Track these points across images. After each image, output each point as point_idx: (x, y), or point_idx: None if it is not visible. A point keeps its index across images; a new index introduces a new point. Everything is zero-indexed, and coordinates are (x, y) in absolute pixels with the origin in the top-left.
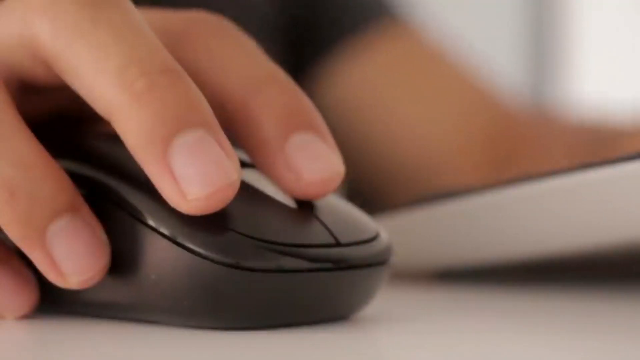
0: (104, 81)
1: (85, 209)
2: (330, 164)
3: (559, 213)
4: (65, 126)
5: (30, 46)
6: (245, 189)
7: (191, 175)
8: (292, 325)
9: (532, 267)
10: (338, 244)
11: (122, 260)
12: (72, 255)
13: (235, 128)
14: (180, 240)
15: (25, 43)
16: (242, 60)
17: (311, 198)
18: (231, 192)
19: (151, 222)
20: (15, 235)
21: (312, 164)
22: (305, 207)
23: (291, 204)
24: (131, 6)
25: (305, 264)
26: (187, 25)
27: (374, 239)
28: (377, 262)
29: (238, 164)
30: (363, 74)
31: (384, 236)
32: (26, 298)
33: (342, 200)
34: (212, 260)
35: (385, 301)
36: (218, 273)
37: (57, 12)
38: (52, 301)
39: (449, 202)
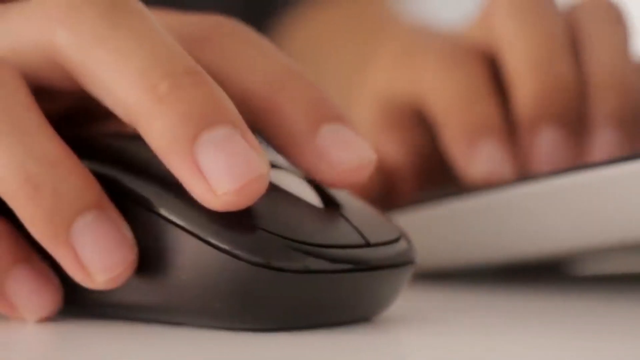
0: (126, 85)
1: (111, 207)
2: (362, 151)
3: (560, 213)
4: (74, 127)
5: (49, 53)
6: (273, 189)
7: (219, 170)
8: (319, 327)
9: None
10: (368, 245)
11: (150, 262)
12: (97, 252)
13: (262, 125)
14: (211, 239)
15: (44, 50)
16: (262, 59)
17: (345, 186)
18: (261, 186)
19: (181, 223)
20: (39, 232)
21: (344, 151)
22: (333, 208)
23: (318, 204)
24: (149, 12)
25: (336, 265)
26: (206, 28)
27: (399, 238)
28: (404, 262)
29: (267, 159)
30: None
31: (407, 236)
32: (48, 299)
33: (361, 201)
34: (246, 261)
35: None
36: (250, 273)
37: (76, 20)
38: (76, 303)
39: (451, 201)
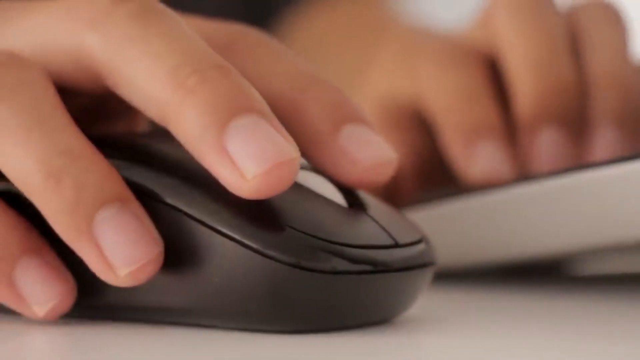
0: (157, 85)
1: (134, 201)
2: (384, 150)
3: (560, 213)
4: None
5: (77, 55)
6: (300, 189)
7: (248, 154)
8: (345, 329)
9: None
10: (396, 245)
11: (180, 263)
12: (120, 244)
13: (285, 126)
14: (243, 239)
15: (73, 51)
16: (285, 64)
17: (367, 185)
18: (291, 170)
19: (212, 223)
20: (61, 225)
21: (365, 150)
22: (358, 208)
23: (344, 204)
24: (177, 15)
25: (366, 267)
26: (232, 35)
27: (422, 238)
28: (429, 262)
29: (296, 145)
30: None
31: (427, 235)
32: (58, 290)
33: (382, 201)
34: (277, 260)
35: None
36: (281, 273)
37: (107, 25)
38: (101, 307)
39: (451, 202)
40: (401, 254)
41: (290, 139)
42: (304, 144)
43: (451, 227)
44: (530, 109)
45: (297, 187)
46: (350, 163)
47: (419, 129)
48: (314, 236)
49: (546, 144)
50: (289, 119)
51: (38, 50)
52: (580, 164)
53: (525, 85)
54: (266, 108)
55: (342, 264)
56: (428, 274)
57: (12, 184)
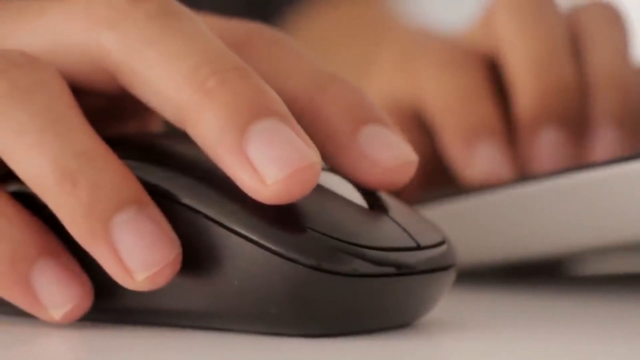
0: (175, 86)
1: (151, 203)
2: (404, 151)
3: (560, 213)
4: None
5: (93, 55)
6: (320, 190)
7: (268, 158)
8: (366, 332)
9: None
10: (419, 247)
11: (200, 266)
12: (138, 248)
13: (303, 126)
14: (264, 242)
15: (88, 52)
16: (303, 64)
17: (387, 186)
18: (312, 175)
19: (232, 225)
20: (77, 229)
21: (386, 151)
22: (379, 209)
23: (365, 205)
24: (195, 15)
25: (388, 269)
26: (248, 34)
27: (444, 240)
28: (452, 264)
29: (316, 149)
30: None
31: (448, 237)
32: (74, 292)
33: (402, 202)
34: (298, 263)
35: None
36: (302, 275)
37: (124, 25)
38: (118, 311)
39: (450, 202)
40: (424, 256)
41: (311, 142)
42: (323, 144)
43: (451, 228)
44: (530, 109)
45: (317, 188)
46: (371, 164)
47: (419, 130)
48: (335, 238)
49: (546, 144)
50: (307, 119)
51: (52, 50)
52: (580, 164)
53: (526, 85)
54: (286, 111)
55: (363, 266)
56: (450, 276)
57: (27, 185)
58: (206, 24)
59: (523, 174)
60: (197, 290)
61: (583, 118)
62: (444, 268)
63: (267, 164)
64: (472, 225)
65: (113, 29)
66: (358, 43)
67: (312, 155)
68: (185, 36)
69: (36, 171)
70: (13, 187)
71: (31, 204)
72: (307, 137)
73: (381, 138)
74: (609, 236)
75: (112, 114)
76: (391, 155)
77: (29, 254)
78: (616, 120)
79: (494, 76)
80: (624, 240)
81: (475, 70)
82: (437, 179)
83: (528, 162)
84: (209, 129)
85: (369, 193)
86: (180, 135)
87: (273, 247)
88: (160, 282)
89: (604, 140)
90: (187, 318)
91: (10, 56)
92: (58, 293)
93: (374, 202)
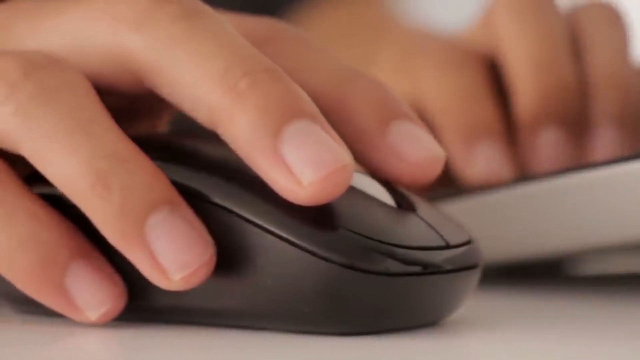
0: (206, 87)
1: (183, 204)
2: (432, 147)
3: (560, 213)
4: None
5: (118, 56)
6: (350, 189)
7: (304, 160)
8: (396, 331)
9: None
10: (447, 246)
11: (234, 266)
12: (173, 249)
13: (331, 122)
14: (297, 241)
15: (113, 52)
16: (326, 60)
17: (416, 181)
18: (346, 176)
19: (266, 225)
20: (112, 232)
21: (414, 147)
22: (407, 208)
23: (394, 205)
24: (220, 15)
25: (419, 268)
26: (270, 30)
27: (471, 239)
28: (479, 263)
29: (348, 150)
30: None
31: (473, 236)
32: (109, 294)
33: (429, 202)
34: (331, 261)
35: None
36: (335, 274)
37: (150, 26)
38: (151, 310)
39: (450, 202)
40: (452, 255)
41: (342, 142)
42: (351, 141)
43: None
44: (530, 109)
45: (347, 188)
46: (400, 160)
47: None
48: (367, 237)
49: (546, 144)
50: (335, 116)
51: (74, 50)
52: (580, 164)
53: (526, 85)
54: (317, 110)
55: (396, 265)
56: (477, 274)
57: (54, 187)
58: (230, 21)
59: (523, 174)
60: (230, 289)
61: (583, 118)
62: (472, 267)
63: (302, 166)
64: (472, 225)
65: (137, 30)
66: (358, 43)
67: (345, 156)
68: (212, 37)
69: (67, 173)
70: (39, 189)
71: (58, 205)
72: (338, 137)
73: (409, 134)
74: (609, 236)
75: (126, 114)
76: (420, 151)
77: (62, 257)
78: (616, 120)
79: (494, 76)
80: (624, 240)
81: (475, 71)
82: (437, 179)
83: (528, 162)
84: (243, 132)
85: (395, 192)
86: (203, 133)
87: (306, 246)
88: (195, 282)
89: (604, 140)
90: (220, 317)
91: (33, 58)
92: (93, 295)
93: (402, 201)
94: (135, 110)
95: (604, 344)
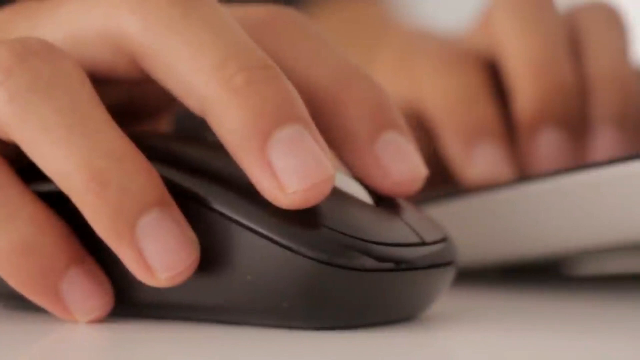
0: (201, 77)
1: (173, 204)
2: (416, 165)
3: (560, 213)
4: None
5: (115, 40)
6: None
7: (291, 168)
8: (373, 325)
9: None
10: (423, 243)
11: (214, 261)
12: (161, 250)
13: (322, 119)
14: (276, 237)
15: (110, 37)
16: (326, 53)
17: (395, 196)
18: (328, 187)
19: (245, 221)
20: (104, 230)
21: (400, 164)
22: (385, 207)
23: (372, 203)
24: (218, 3)
25: (395, 264)
26: (268, 17)
27: (446, 237)
28: (454, 260)
29: (332, 160)
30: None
31: (449, 234)
32: (100, 302)
33: (405, 200)
34: (310, 258)
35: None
36: (314, 270)
37: (147, 9)
38: (134, 304)
39: (450, 202)
40: (427, 252)
41: (328, 151)
42: (339, 142)
43: (451, 228)
44: (530, 110)
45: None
46: (383, 175)
47: (418, 132)
48: (345, 234)
49: (546, 145)
50: (327, 114)
51: (71, 40)
52: (580, 164)
53: (525, 86)
54: (308, 117)
55: (370, 262)
56: (452, 271)
57: (46, 185)
58: (226, 9)
59: (523, 174)
60: (212, 285)
61: (582, 118)
62: (447, 263)
63: (288, 174)
64: (472, 225)
65: (134, 13)
66: (357, 43)
67: (330, 168)
68: (209, 24)
69: (62, 167)
70: (36, 187)
71: (51, 199)
72: (325, 145)
73: (397, 148)
74: (609, 236)
75: (127, 113)
76: (404, 169)
77: (59, 264)
78: (615, 121)
79: (494, 77)
80: (624, 240)
81: (474, 71)
82: (437, 179)
83: (528, 162)
84: (234, 130)
85: (373, 191)
86: (190, 133)
87: (284, 243)
88: (180, 280)
89: (604, 141)
90: (201, 312)
91: (28, 43)
92: (85, 302)
93: (381, 200)
94: (134, 111)
95: (604, 344)
